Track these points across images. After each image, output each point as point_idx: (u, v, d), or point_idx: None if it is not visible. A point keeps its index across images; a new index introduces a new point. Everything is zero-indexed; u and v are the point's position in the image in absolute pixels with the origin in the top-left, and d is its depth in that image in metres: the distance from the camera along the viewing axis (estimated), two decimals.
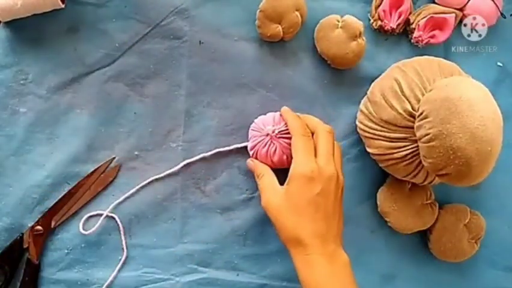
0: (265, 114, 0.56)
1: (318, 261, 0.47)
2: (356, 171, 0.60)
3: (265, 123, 0.54)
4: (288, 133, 0.52)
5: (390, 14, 0.58)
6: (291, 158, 0.50)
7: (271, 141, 0.53)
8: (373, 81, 0.56)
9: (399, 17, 0.58)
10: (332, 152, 0.51)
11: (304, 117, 0.53)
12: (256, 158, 0.54)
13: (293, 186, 0.49)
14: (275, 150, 0.53)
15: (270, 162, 0.53)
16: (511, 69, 0.62)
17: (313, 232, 0.47)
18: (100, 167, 0.56)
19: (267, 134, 0.53)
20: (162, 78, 0.57)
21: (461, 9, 0.59)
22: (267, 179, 0.51)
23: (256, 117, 0.56)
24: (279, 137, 0.53)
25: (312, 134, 0.52)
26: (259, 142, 0.53)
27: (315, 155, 0.50)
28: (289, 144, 0.51)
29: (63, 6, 0.54)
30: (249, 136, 0.55)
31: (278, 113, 0.55)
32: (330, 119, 0.59)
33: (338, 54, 0.56)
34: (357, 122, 0.57)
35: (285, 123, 0.53)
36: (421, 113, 0.48)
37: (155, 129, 0.57)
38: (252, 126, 0.55)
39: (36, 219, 0.55)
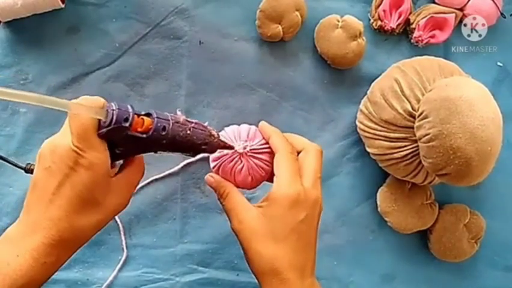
0: (279, 121, 0.49)
1: None
2: (356, 171, 0.60)
3: (237, 136, 0.46)
4: (260, 153, 0.46)
5: (390, 14, 0.58)
6: (256, 180, 0.46)
7: (240, 159, 0.46)
8: (373, 81, 0.56)
9: (399, 17, 0.58)
10: (320, 173, 0.44)
11: (289, 136, 0.47)
12: (216, 173, 0.47)
13: (274, 209, 0.41)
14: (241, 168, 0.45)
15: (232, 181, 0.46)
16: (511, 69, 0.62)
17: (293, 264, 0.41)
18: None
19: (237, 150, 0.45)
20: (162, 78, 0.57)
21: (461, 9, 0.59)
22: (236, 197, 0.44)
23: (275, 122, 0.48)
24: (249, 155, 0.45)
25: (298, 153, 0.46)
26: (225, 156, 0.46)
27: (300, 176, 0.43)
28: (257, 166, 0.45)
29: (63, 6, 0.54)
30: None
31: (253, 127, 0.47)
32: (330, 119, 0.59)
33: (338, 54, 0.56)
34: (357, 122, 0.57)
35: (260, 141, 0.46)
36: (421, 113, 0.48)
37: None
38: (222, 134, 0.47)
39: None
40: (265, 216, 0.41)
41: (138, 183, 0.42)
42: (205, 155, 0.56)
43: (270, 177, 0.46)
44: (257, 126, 0.47)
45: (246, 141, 0.46)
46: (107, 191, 0.38)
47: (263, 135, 0.46)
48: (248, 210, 0.42)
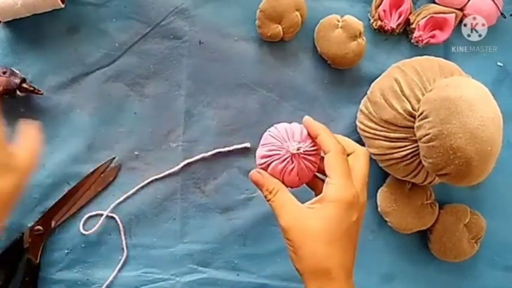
0: (279, 121, 0.48)
1: None
2: None
3: (290, 135, 0.45)
4: (311, 154, 0.45)
5: (390, 14, 0.58)
6: (302, 181, 0.46)
7: (292, 159, 0.45)
8: (373, 81, 0.56)
9: (399, 17, 0.58)
10: (368, 178, 0.45)
11: (335, 136, 0.46)
12: (264, 169, 0.46)
13: (331, 211, 0.41)
14: (292, 169, 0.45)
15: (280, 179, 0.45)
16: (511, 69, 0.62)
17: (343, 264, 0.42)
18: (100, 167, 0.56)
19: (290, 151, 0.45)
20: (162, 78, 0.57)
21: (461, 9, 0.59)
22: (285, 195, 0.44)
23: (275, 122, 0.48)
24: (302, 157, 0.45)
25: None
26: (276, 155, 0.45)
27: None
28: (307, 167, 0.45)
29: (63, 6, 0.54)
30: (263, 141, 0.47)
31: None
32: (330, 119, 0.59)
33: (338, 54, 0.56)
34: (357, 122, 0.57)
35: (311, 142, 0.45)
36: (421, 113, 0.48)
37: (155, 129, 0.57)
38: (272, 132, 0.46)
39: (36, 219, 0.55)
40: (320, 217, 0.41)
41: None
42: (205, 154, 0.57)
43: (313, 177, 0.47)
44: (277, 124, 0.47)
45: (299, 142, 0.45)
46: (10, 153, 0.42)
47: (310, 131, 0.45)
48: (299, 209, 0.42)
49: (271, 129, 0.46)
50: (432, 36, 0.58)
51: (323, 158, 0.45)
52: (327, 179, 0.43)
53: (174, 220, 0.57)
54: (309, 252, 0.41)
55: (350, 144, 0.46)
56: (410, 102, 0.51)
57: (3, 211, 0.41)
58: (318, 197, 0.42)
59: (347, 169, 0.43)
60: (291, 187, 0.46)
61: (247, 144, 0.56)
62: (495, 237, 0.61)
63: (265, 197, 0.45)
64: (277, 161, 0.45)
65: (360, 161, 0.45)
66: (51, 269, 0.55)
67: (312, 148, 0.45)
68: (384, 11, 0.58)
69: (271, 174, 0.45)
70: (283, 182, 0.45)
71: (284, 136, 0.45)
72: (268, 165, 0.45)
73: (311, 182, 0.47)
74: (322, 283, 0.41)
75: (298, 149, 0.44)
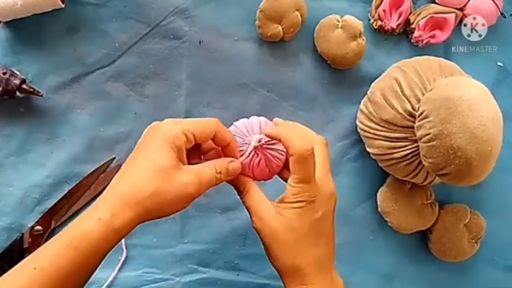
0: (258, 115, 0.48)
1: None
2: (356, 171, 0.60)
3: (250, 129, 0.46)
4: (275, 143, 0.45)
5: (390, 14, 0.58)
6: (273, 171, 0.46)
7: (256, 152, 0.45)
8: (373, 81, 0.56)
9: (399, 17, 0.58)
10: (329, 165, 0.45)
11: (294, 127, 0.47)
12: None
13: (290, 212, 0.42)
14: (259, 162, 0.45)
15: (249, 175, 0.45)
16: (511, 69, 0.62)
17: (314, 260, 0.42)
18: (100, 167, 0.56)
19: (252, 144, 0.45)
20: (162, 78, 0.57)
21: (461, 9, 0.59)
22: (256, 195, 0.44)
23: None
24: (265, 147, 0.45)
25: None
26: (240, 151, 0.45)
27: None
28: (273, 156, 0.45)
29: (63, 6, 0.54)
30: None
31: (263, 118, 0.47)
32: (330, 119, 0.59)
33: (338, 54, 0.56)
34: (357, 122, 0.57)
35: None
36: (421, 113, 0.48)
37: None
38: (232, 130, 0.46)
39: (36, 219, 0.55)
40: (283, 217, 0.42)
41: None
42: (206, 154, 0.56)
43: (285, 165, 0.46)
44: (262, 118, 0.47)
45: (259, 134, 0.45)
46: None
47: (272, 138, 0.45)
48: (269, 209, 0.42)
49: (231, 127, 0.46)
50: (432, 36, 0.58)
51: None
52: (289, 179, 0.42)
53: (174, 220, 0.57)
54: (278, 252, 0.42)
55: (308, 135, 0.46)
56: (410, 102, 0.51)
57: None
58: (281, 196, 0.43)
59: (307, 172, 0.42)
60: (264, 179, 0.46)
61: None
62: (495, 237, 0.61)
63: (238, 195, 0.45)
64: (242, 157, 0.45)
65: (318, 151, 0.44)
66: None
67: None
68: (384, 11, 0.58)
69: (241, 171, 0.45)
70: (254, 177, 0.46)
71: (244, 131, 0.46)
72: None
73: (282, 174, 0.47)
74: (295, 279, 0.42)
75: (259, 141, 0.45)
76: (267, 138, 0.45)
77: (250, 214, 0.44)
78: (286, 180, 0.44)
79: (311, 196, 0.42)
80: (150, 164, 0.39)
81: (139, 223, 0.40)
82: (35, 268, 0.36)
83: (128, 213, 0.39)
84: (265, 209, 0.42)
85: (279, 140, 0.43)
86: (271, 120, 0.47)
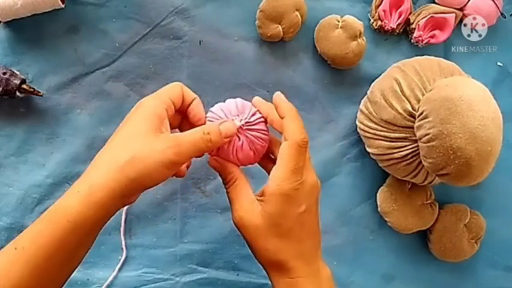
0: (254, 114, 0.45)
1: (303, 284, 0.41)
2: (356, 171, 0.60)
3: (227, 112, 0.43)
4: (255, 123, 0.43)
5: (390, 14, 0.58)
6: (258, 153, 0.44)
7: (237, 135, 0.43)
8: (373, 81, 0.56)
9: (399, 17, 0.58)
10: (309, 155, 0.43)
11: (276, 99, 0.44)
12: (217, 155, 0.44)
13: (272, 206, 0.40)
14: (242, 145, 0.43)
15: (234, 160, 0.44)
16: (511, 69, 0.62)
17: (298, 254, 0.41)
18: None
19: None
20: (162, 78, 0.57)
21: (461, 9, 0.59)
22: (241, 187, 0.42)
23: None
24: (246, 129, 0.43)
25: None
26: None
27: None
28: (256, 137, 0.43)
29: (63, 6, 0.54)
30: None
31: (239, 99, 0.45)
32: (330, 119, 0.59)
33: (338, 54, 0.56)
34: (357, 122, 0.57)
35: (250, 111, 0.44)
36: (421, 113, 0.48)
37: None
38: (209, 116, 0.44)
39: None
40: (265, 212, 0.41)
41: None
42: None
43: (270, 146, 0.45)
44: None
45: (237, 115, 0.43)
46: None
47: (261, 112, 0.44)
48: (251, 204, 0.41)
49: (208, 114, 0.44)
50: (432, 36, 0.58)
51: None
52: (274, 167, 0.41)
53: (174, 220, 0.57)
54: (261, 248, 0.41)
55: (284, 109, 0.44)
56: (410, 102, 0.51)
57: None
58: (263, 187, 0.42)
59: (296, 162, 0.40)
60: (251, 163, 0.45)
61: None
62: (495, 237, 0.61)
63: (223, 183, 0.44)
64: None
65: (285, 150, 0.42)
66: None
67: (254, 117, 0.44)
68: (384, 11, 0.58)
69: (224, 158, 0.44)
70: (239, 162, 0.44)
71: (221, 115, 0.44)
72: (218, 149, 0.44)
73: (263, 163, 0.46)
74: (280, 274, 0.41)
75: (240, 121, 0.43)
76: (248, 119, 0.43)
77: (231, 207, 0.43)
78: (268, 172, 0.43)
79: (292, 189, 0.40)
80: (128, 133, 0.40)
81: (123, 197, 0.38)
82: (15, 248, 0.36)
83: (107, 183, 0.37)
84: (250, 204, 0.41)
85: (268, 117, 0.43)
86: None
